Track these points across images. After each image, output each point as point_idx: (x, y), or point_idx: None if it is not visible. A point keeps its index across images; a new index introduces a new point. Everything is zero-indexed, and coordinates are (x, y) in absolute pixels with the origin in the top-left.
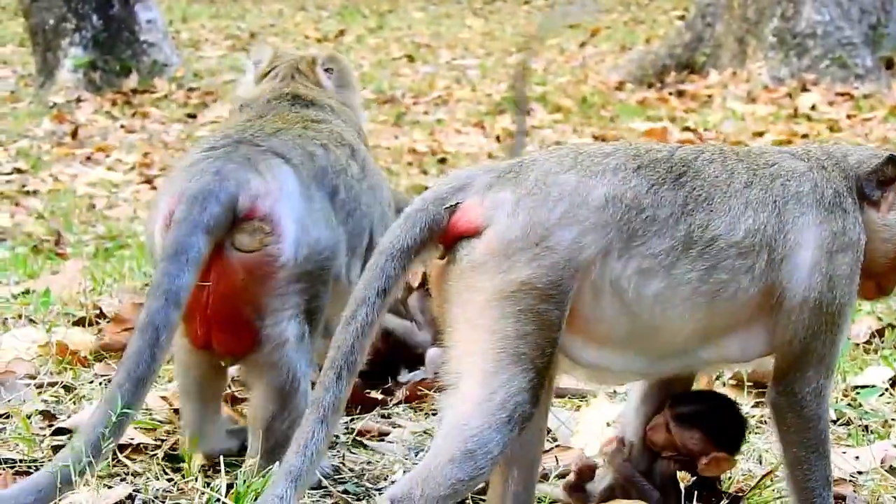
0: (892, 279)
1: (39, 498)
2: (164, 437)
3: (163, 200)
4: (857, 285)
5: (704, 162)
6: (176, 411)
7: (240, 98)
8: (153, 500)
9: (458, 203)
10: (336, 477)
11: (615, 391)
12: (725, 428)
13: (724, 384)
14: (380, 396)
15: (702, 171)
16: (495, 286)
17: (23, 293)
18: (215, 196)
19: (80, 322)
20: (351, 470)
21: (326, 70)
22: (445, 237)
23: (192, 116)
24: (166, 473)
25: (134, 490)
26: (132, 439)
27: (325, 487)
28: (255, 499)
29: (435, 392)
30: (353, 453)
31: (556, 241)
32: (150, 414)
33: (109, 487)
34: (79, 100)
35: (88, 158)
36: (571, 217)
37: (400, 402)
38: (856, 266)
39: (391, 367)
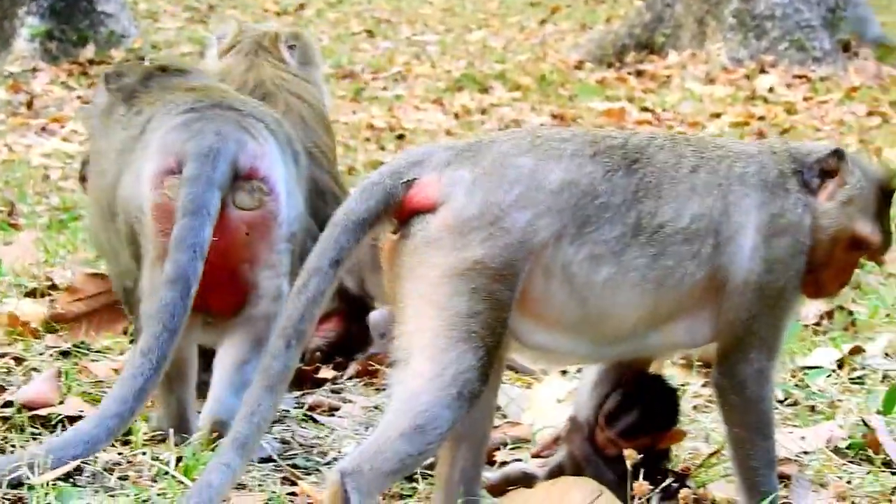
0: (830, 276)
1: (90, 444)
2: None
3: (152, 158)
4: (801, 269)
5: (656, 148)
6: None
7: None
8: (102, 472)
9: (414, 178)
10: (285, 451)
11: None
12: (665, 414)
13: (672, 363)
14: (331, 374)
15: (653, 158)
16: (449, 263)
17: None
18: (223, 155)
19: (31, 293)
20: (301, 444)
21: (290, 46)
22: (400, 212)
23: None
24: (115, 446)
25: (82, 462)
26: (81, 411)
27: (275, 461)
28: None
29: (386, 367)
30: (304, 428)
31: (510, 223)
32: (100, 385)
33: None
34: (34, 70)
35: (44, 129)
36: (527, 200)
37: (351, 378)
38: (796, 248)
39: (354, 347)
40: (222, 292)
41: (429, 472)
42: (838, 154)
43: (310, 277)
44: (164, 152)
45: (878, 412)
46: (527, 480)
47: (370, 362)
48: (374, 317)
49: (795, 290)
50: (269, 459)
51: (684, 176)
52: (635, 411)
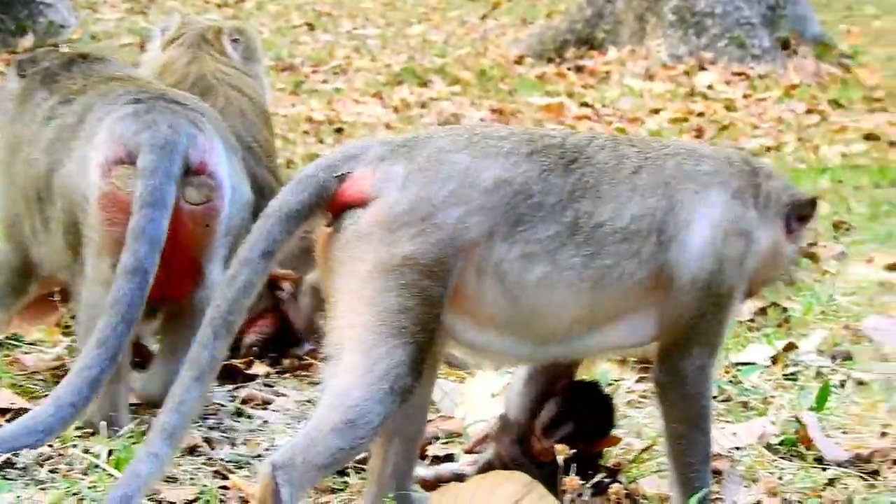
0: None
1: (44, 433)
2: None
3: (100, 147)
4: (750, 273)
5: (596, 148)
6: (57, 375)
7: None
8: (32, 465)
9: (348, 172)
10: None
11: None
12: (599, 422)
13: (607, 359)
14: (264, 369)
15: (593, 158)
16: (379, 258)
17: None
18: (178, 148)
19: None
20: (232, 437)
21: (233, 40)
22: (333, 205)
23: None
24: None
25: (12, 454)
26: (12, 404)
27: (206, 454)
28: None
29: (319, 362)
30: (236, 421)
31: (442, 219)
32: (32, 378)
33: None
34: None
35: None
36: (459, 196)
37: (284, 372)
38: (747, 253)
39: (288, 342)
40: (180, 277)
41: (361, 466)
42: (814, 204)
43: (240, 268)
44: (114, 142)
45: (811, 409)
46: (458, 481)
47: (304, 356)
48: (314, 277)
49: (742, 292)
50: (200, 453)
51: (626, 176)
52: (571, 422)
